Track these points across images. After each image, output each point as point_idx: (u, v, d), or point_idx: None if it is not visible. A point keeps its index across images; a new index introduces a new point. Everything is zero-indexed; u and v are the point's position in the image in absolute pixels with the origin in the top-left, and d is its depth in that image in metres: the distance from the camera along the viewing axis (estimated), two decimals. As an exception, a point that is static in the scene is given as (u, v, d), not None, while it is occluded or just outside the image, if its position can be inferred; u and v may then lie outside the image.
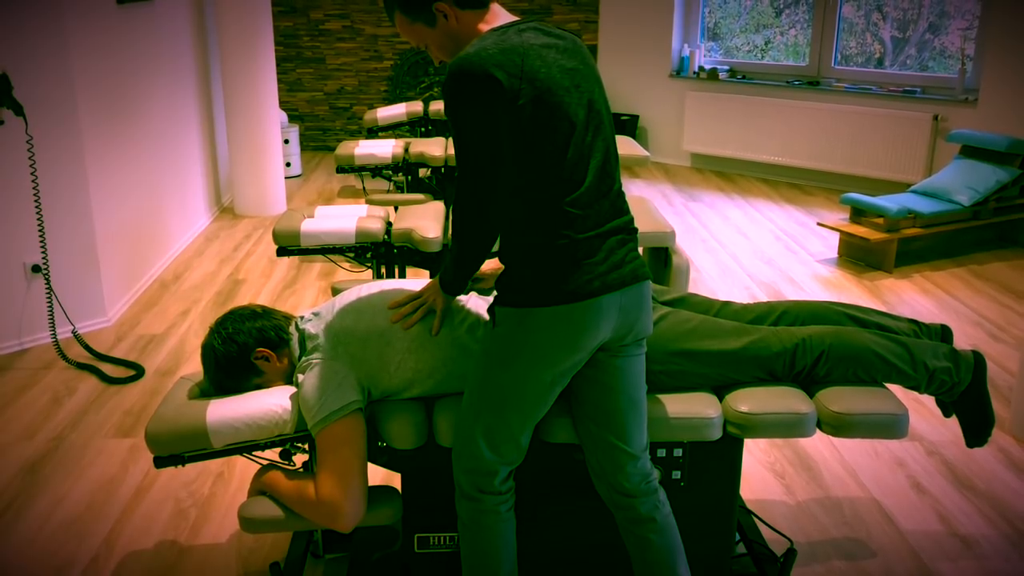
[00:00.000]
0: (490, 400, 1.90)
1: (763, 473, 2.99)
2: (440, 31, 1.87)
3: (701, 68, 7.52)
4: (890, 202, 5.02)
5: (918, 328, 2.35)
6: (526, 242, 1.83)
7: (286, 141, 7.15)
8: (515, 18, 1.88)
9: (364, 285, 2.24)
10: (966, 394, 2.26)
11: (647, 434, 2.01)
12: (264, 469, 2.15)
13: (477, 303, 2.17)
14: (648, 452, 2.02)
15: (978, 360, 2.25)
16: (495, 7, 1.89)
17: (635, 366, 1.96)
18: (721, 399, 2.16)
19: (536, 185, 1.79)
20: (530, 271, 1.83)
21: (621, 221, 1.89)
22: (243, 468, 3.01)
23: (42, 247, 3.82)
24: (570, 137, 1.79)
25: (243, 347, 2.17)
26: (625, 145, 5.68)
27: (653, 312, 2.16)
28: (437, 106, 6.40)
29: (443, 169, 5.32)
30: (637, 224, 3.33)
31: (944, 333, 2.36)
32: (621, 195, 1.92)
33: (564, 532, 2.27)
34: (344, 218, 3.53)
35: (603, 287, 1.83)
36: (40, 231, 3.78)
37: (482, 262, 1.97)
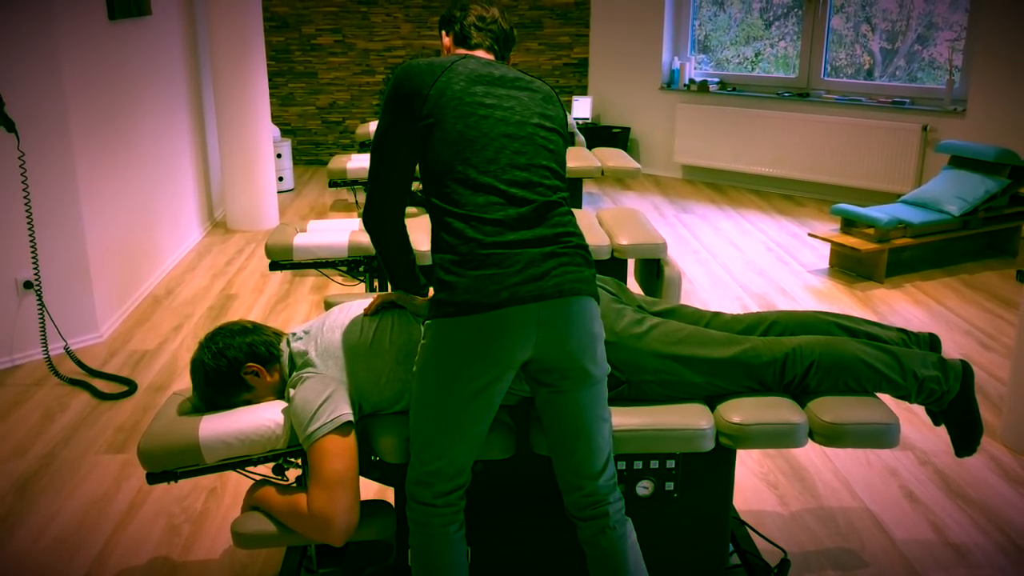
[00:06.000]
0: (419, 414, 1.91)
1: (756, 484, 2.99)
2: (443, 53, 2.18)
3: (691, 80, 7.56)
4: (880, 212, 5.05)
5: (907, 337, 2.36)
6: (441, 249, 1.86)
7: (278, 155, 7.16)
8: (490, 58, 2.07)
9: (355, 302, 2.25)
10: (955, 403, 2.27)
11: (601, 464, 1.94)
12: (257, 485, 2.15)
13: None
14: (604, 481, 1.94)
15: (966, 369, 2.27)
16: (483, 54, 2.09)
17: (580, 399, 1.89)
18: (713, 410, 2.16)
19: (442, 192, 1.87)
20: (440, 282, 1.84)
21: (550, 233, 1.86)
22: (236, 483, 3.00)
23: (34, 263, 3.81)
24: (481, 145, 1.87)
25: (233, 362, 2.17)
26: (616, 157, 5.70)
27: (642, 323, 2.16)
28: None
29: (435, 182, 5.33)
30: (628, 236, 3.34)
31: (932, 342, 2.38)
32: (556, 210, 1.89)
33: (555, 542, 2.27)
34: (337, 232, 3.54)
35: (512, 299, 1.79)
36: (32, 247, 3.77)
37: (398, 256, 2.09)
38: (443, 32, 2.17)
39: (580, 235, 1.93)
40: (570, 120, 6.53)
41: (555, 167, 1.94)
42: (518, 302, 1.79)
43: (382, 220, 2.05)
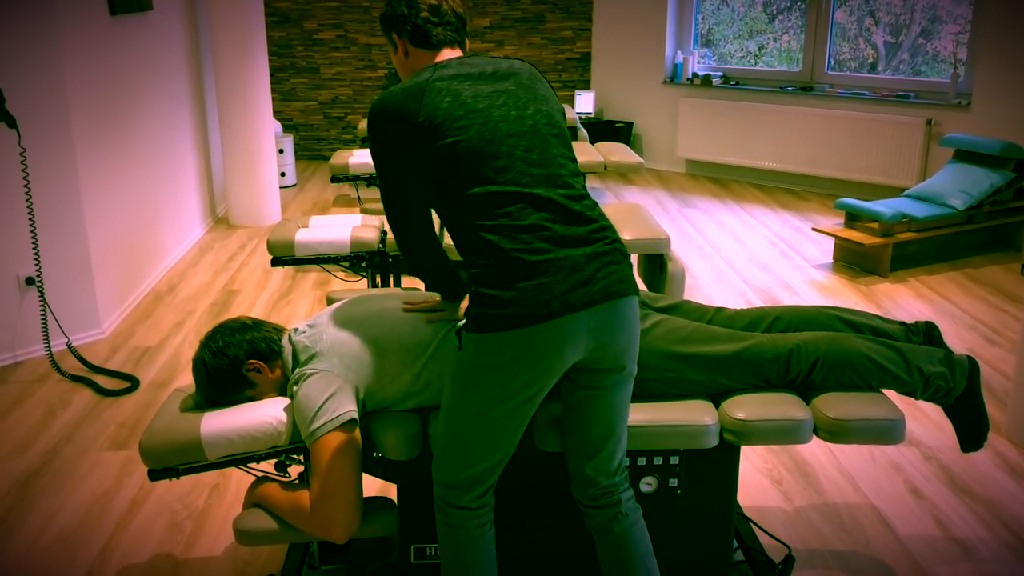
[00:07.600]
0: (455, 423, 1.88)
1: (761, 480, 2.98)
2: (396, 57, 2.03)
3: (695, 74, 7.54)
4: (884, 207, 5.03)
5: (906, 328, 2.35)
6: (477, 264, 1.80)
7: (280, 151, 7.15)
8: (457, 54, 1.97)
9: (359, 296, 2.24)
10: (961, 399, 2.26)
11: (619, 462, 1.97)
12: (259, 481, 2.14)
13: None
14: (618, 477, 1.98)
15: (972, 365, 2.25)
16: (448, 51, 1.97)
17: (616, 399, 1.91)
18: (717, 406, 2.15)
19: (465, 209, 1.80)
20: (484, 295, 1.77)
21: (584, 232, 1.81)
22: (238, 480, 3.00)
23: (36, 259, 3.80)
24: (491, 154, 1.80)
25: (234, 360, 2.16)
26: (619, 152, 5.68)
27: (646, 319, 2.15)
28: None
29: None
30: (631, 231, 3.33)
31: (930, 329, 2.35)
32: (586, 207, 1.85)
33: (557, 539, 2.26)
34: (339, 227, 3.53)
35: (564, 307, 1.74)
36: (34, 243, 3.77)
37: (438, 269, 2.03)
38: (393, 35, 1.98)
39: (612, 227, 1.89)
40: (572, 114, 6.50)
41: (564, 150, 1.90)
42: (569, 311, 1.74)
43: (421, 249, 1.98)
